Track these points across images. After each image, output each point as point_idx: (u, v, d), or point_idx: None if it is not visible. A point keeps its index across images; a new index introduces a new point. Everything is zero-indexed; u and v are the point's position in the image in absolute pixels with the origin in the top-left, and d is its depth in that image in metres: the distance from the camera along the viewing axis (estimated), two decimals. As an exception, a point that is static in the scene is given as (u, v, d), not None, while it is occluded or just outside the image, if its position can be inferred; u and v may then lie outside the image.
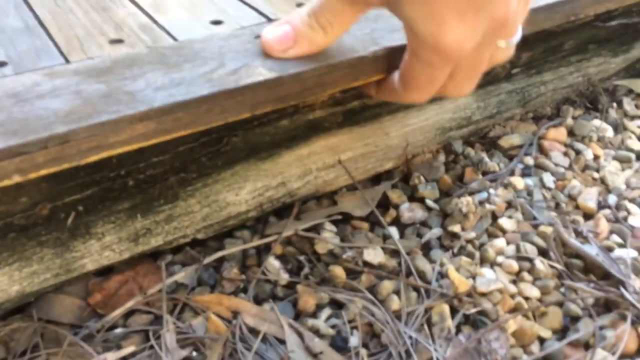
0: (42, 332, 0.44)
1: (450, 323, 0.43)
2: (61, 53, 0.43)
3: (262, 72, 0.41)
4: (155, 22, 0.48)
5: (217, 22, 0.49)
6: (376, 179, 0.60)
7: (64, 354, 0.42)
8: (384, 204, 0.57)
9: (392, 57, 0.44)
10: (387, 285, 0.46)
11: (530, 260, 0.49)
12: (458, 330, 0.43)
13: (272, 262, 0.49)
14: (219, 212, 0.51)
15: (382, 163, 0.60)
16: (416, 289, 0.46)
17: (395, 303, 0.45)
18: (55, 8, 0.51)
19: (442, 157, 0.62)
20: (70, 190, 0.42)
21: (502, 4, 0.36)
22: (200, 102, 0.38)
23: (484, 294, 0.45)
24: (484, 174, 0.59)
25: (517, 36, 0.41)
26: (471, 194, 0.56)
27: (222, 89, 0.39)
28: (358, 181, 0.58)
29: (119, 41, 0.45)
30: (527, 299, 0.45)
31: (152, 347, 0.43)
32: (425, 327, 0.43)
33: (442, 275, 0.47)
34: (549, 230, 0.51)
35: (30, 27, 0.47)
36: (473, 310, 0.44)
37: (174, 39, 0.46)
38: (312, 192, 0.56)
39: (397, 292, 0.46)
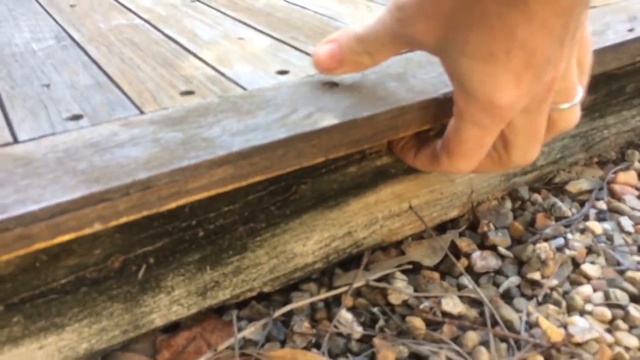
0: (111, 392, 0.42)
1: (547, 376, 0.39)
2: (135, 105, 0.43)
3: (336, 116, 0.40)
4: (222, 74, 0.49)
5: (283, 72, 0.49)
6: (441, 228, 0.58)
7: (134, 415, 0.40)
8: (453, 253, 0.54)
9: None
10: (472, 337, 0.43)
11: (623, 307, 0.45)
12: (555, 384, 0.40)
13: (344, 315, 0.47)
14: (286, 263, 0.50)
15: (448, 211, 0.58)
16: (504, 340, 0.43)
17: (484, 355, 0.42)
18: (123, 65, 0.52)
19: (508, 204, 0.60)
20: (143, 241, 0.42)
21: (558, 68, 0.35)
22: (277, 146, 0.38)
23: (579, 344, 0.41)
24: (557, 219, 0.57)
25: (578, 98, 0.40)
26: (546, 240, 0.54)
27: (297, 132, 0.38)
28: (424, 230, 0.57)
29: (189, 92, 0.45)
30: (627, 348, 0.42)
31: (225, 407, 0.41)
32: (519, 381, 0.40)
33: (531, 325, 0.44)
34: (637, 275, 0.48)
35: (100, 83, 0.48)
36: (570, 362, 0.40)
37: (243, 88, 0.46)
38: (378, 242, 0.54)
39: (483, 344, 0.43)
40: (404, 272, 0.52)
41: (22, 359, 0.40)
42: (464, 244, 0.55)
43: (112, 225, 0.34)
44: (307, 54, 0.53)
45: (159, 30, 0.63)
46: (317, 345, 0.46)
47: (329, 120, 0.40)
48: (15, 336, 0.39)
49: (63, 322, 0.40)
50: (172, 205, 0.36)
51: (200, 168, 0.36)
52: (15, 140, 0.38)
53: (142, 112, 0.42)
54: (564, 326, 0.43)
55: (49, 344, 0.40)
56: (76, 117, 0.41)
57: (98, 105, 0.43)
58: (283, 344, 0.47)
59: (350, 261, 0.54)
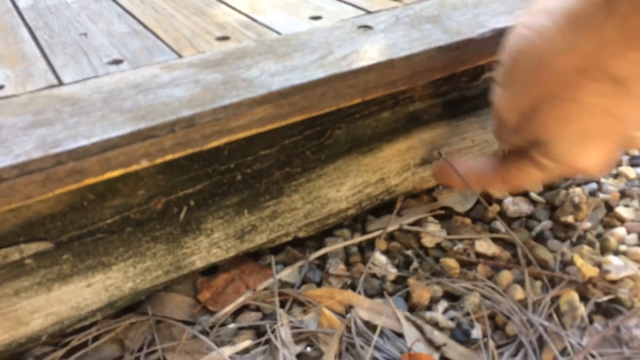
0: (156, 328, 0.43)
1: (583, 311, 0.40)
2: (172, 50, 0.44)
3: (372, 57, 0.40)
4: (255, 20, 0.49)
5: (316, 18, 0.49)
6: (472, 176, 0.58)
7: (180, 349, 0.41)
8: (484, 200, 0.55)
9: (498, 40, 0.43)
10: (506, 275, 0.44)
11: (657, 247, 0.46)
12: (590, 319, 0.41)
13: (379, 257, 0.48)
14: (321, 209, 0.50)
15: (479, 159, 0.58)
16: (538, 278, 0.44)
17: (518, 292, 0.42)
18: (157, 15, 0.52)
19: (539, 152, 0.60)
20: (184, 183, 0.43)
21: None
22: (316, 86, 0.38)
23: (614, 282, 0.42)
24: (589, 165, 0.56)
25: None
26: (579, 185, 0.54)
27: (335, 72, 0.39)
28: (455, 178, 0.57)
29: (225, 38, 0.45)
30: (662, 285, 0.42)
31: (266, 342, 0.42)
32: (555, 316, 0.41)
33: (565, 264, 0.44)
34: (672, 217, 0.48)
35: (137, 31, 0.48)
36: (605, 298, 0.41)
37: (278, 33, 0.46)
38: (409, 189, 0.55)
39: (518, 282, 0.43)
40: (436, 217, 0.53)
41: (70, 296, 0.41)
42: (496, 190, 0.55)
43: (157, 163, 0.35)
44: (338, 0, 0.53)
45: (188, -18, 0.63)
46: (353, 287, 0.47)
47: (366, 60, 0.40)
48: (65, 273, 0.40)
49: (110, 261, 0.42)
50: (215, 143, 0.36)
51: (241, 106, 0.36)
52: (61, 83, 0.39)
53: (180, 56, 0.42)
54: (599, 265, 0.44)
55: (97, 282, 0.42)
56: (117, 62, 0.42)
57: (136, 50, 0.44)
58: (319, 285, 0.48)
59: (382, 208, 0.54)
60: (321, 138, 0.47)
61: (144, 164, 0.34)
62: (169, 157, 0.35)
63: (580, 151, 0.35)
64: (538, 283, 0.43)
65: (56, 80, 0.39)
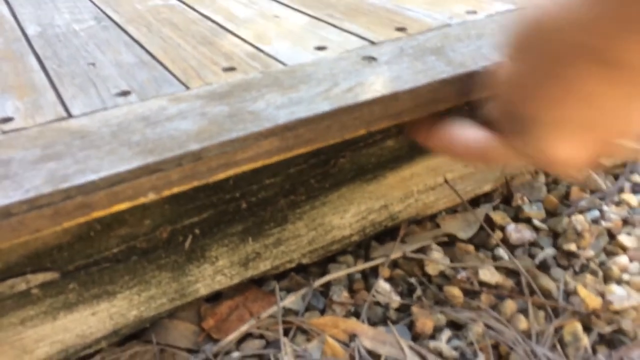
0: (160, 357, 0.44)
1: (586, 342, 0.40)
2: (180, 81, 0.44)
3: (377, 89, 0.41)
4: (261, 51, 0.50)
5: (321, 48, 0.49)
6: (475, 202, 0.59)
7: (185, 378, 0.42)
8: (487, 227, 0.55)
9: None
10: (510, 305, 0.44)
11: (660, 277, 0.46)
12: (593, 349, 0.41)
13: (382, 285, 0.48)
14: (324, 236, 0.51)
15: (481, 185, 0.58)
16: (542, 308, 0.44)
17: (522, 322, 0.42)
18: (164, 44, 0.53)
19: (542, 178, 0.60)
20: (189, 212, 0.43)
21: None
22: (321, 119, 0.39)
23: (617, 312, 0.42)
24: (592, 192, 0.57)
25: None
26: (581, 212, 0.54)
27: (340, 105, 0.39)
28: (458, 204, 0.57)
29: (231, 69, 0.46)
30: (665, 316, 0.42)
31: (271, 371, 0.42)
32: (558, 346, 0.41)
33: (568, 293, 0.45)
34: (674, 246, 0.48)
35: (144, 62, 0.49)
36: (609, 329, 0.41)
37: (283, 64, 0.47)
38: (412, 215, 0.55)
39: (521, 311, 0.44)
40: (439, 244, 0.53)
41: (76, 324, 0.41)
42: (498, 217, 0.55)
43: (163, 196, 0.36)
44: (343, 30, 0.54)
45: (194, 10, 0.64)
46: (356, 314, 0.47)
47: (371, 93, 0.40)
48: (70, 302, 0.41)
49: (115, 289, 0.42)
50: (221, 176, 0.37)
51: (248, 140, 0.37)
52: (70, 115, 0.39)
53: (187, 88, 0.43)
54: (602, 294, 0.44)
55: (102, 311, 0.42)
56: (125, 93, 0.43)
57: (144, 81, 0.45)
58: (322, 312, 0.48)
59: (386, 234, 0.55)
60: (326, 166, 0.48)
61: (151, 196, 0.35)
62: (175, 189, 0.36)
63: (556, 139, 0.32)
64: (541, 313, 0.43)
65: (65, 113, 0.40)
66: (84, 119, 0.39)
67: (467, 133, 0.41)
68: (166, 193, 0.35)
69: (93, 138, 0.36)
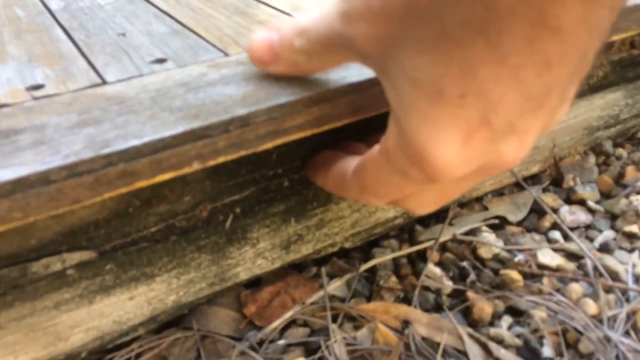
0: (202, 344, 0.41)
1: (665, 327, 0.37)
2: (217, 48, 0.41)
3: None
4: (301, 19, 0.47)
5: (365, 16, 0.46)
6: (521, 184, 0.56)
7: (228, 367, 0.39)
8: (537, 209, 0.52)
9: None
10: (575, 288, 0.41)
11: None
12: (672, 336, 0.38)
13: (433, 269, 0.45)
14: (368, 218, 0.48)
15: (529, 166, 0.55)
16: (610, 291, 0.40)
17: (591, 307, 0.39)
18: (195, 15, 0.50)
19: (592, 158, 0.57)
20: (231, 189, 0.40)
21: (524, 142, 0.26)
22: (373, 84, 0.36)
23: (695, 295, 0.39)
24: (648, 172, 0.54)
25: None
26: (638, 193, 0.51)
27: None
28: (504, 186, 0.54)
29: (272, 36, 0.43)
30: None
31: (320, 359, 0.39)
32: (632, 332, 0.37)
33: (637, 277, 0.41)
34: None
35: (176, 31, 0.46)
36: (688, 313, 0.38)
37: (327, 31, 0.43)
38: (458, 198, 0.52)
39: (588, 295, 0.40)
40: (489, 227, 0.50)
41: (112, 309, 0.39)
42: (550, 199, 0.52)
43: (204, 167, 0.33)
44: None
45: (222, -16, 0.61)
46: (406, 300, 0.44)
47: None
48: (107, 285, 0.38)
49: (153, 272, 0.39)
50: (269, 145, 0.34)
51: (298, 105, 0.34)
52: (104, 82, 0.37)
53: (226, 55, 0.40)
54: (674, 277, 0.41)
55: (139, 295, 0.39)
56: (160, 60, 0.40)
57: (179, 49, 0.42)
58: (369, 299, 0.45)
59: (429, 217, 0.52)
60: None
61: (196, 166, 0.32)
62: (221, 159, 0.33)
63: (429, 122, 0.25)
64: (611, 297, 0.40)
65: (99, 79, 0.37)
66: (119, 85, 0.36)
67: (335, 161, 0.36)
68: (211, 163, 0.32)
69: (131, 103, 0.33)
